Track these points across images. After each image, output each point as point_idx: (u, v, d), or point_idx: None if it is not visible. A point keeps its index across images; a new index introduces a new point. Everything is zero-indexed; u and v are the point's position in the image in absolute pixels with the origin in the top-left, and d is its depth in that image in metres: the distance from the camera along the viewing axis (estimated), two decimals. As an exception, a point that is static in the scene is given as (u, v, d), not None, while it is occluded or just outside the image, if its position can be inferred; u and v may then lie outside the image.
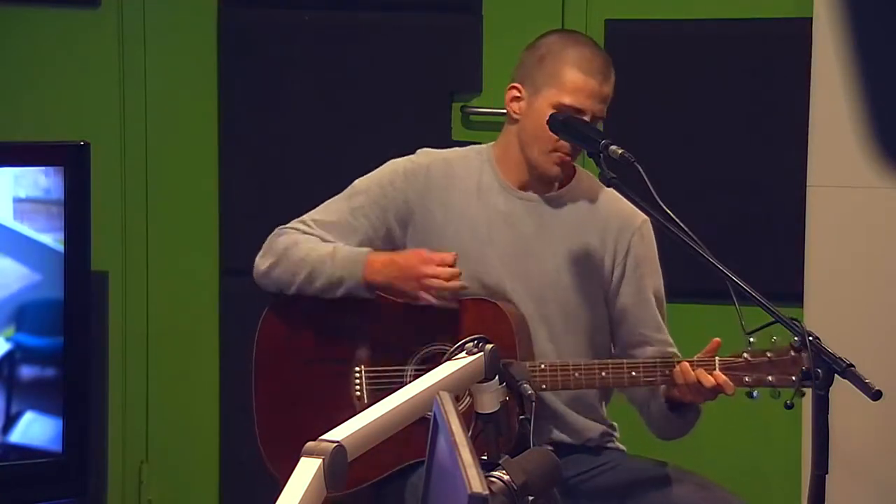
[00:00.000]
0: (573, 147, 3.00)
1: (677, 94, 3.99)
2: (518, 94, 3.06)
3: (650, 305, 3.08)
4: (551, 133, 2.99)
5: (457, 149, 3.18)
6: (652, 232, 3.10)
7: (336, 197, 3.13)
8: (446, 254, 2.99)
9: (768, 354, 2.84)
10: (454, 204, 3.08)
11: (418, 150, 3.15)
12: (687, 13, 3.97)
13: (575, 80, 2.99)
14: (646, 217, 3.06)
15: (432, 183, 3.09)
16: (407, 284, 3.00)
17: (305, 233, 3.10)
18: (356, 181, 3.13)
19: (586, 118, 2.98)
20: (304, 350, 3.11)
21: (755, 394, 2.87)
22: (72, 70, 4.13)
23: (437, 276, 2.96)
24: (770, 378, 2.85)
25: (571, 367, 2.93)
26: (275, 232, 3.14)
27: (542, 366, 2.95)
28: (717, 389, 2.86)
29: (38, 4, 4.12)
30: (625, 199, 2.96)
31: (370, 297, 3.04)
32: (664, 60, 4.00)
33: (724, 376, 2.86)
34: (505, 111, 3.11)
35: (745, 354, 2.86)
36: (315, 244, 3.07)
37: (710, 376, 2.86)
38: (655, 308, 3.09)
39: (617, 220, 3.08)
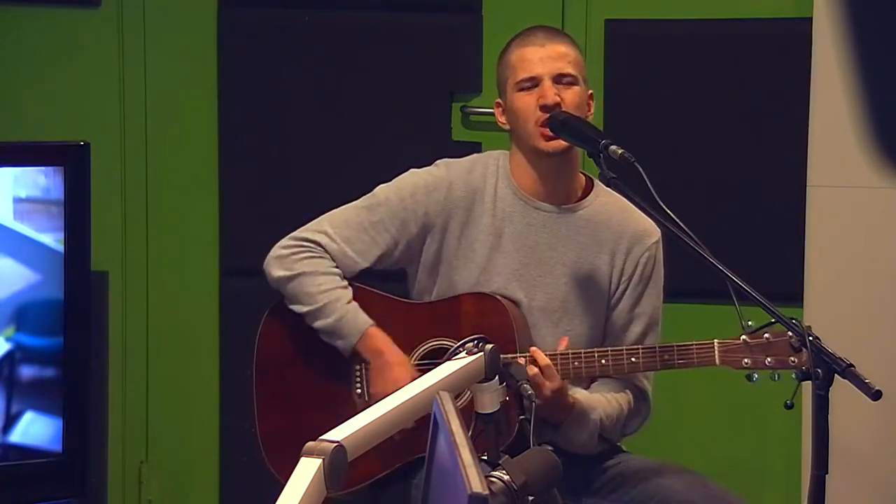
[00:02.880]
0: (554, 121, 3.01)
1: (677, 94, 3.99)
2: (501, 108, 3.11)
3: (640, 323, 3.10)
4: (526, 110, 3.01)
5: (475, 156, 3.18)
6: (662, 253, 3.11)
7: (357, 205, 3.12)
8: None
9: (766, 336, 2.85)
10: (471, 215, 3.09)
11: (438, 162, 3.15)
12: (687, 13, 3.97)
13: (520, 55, 3.05)
14: (658, 236, 3.08)
15: (453, 196, 3.09)
16: (382, 380, 3.01)
17: (328, 250, 3.08)
18: (377, 190, 3.12)
19: (546, 82, 3.00)
20: (304, 350, 3.11)
21: (755, 377, 2.88)
22: (72, 70, 4.13)
23: None
24: (768, 360, 2.86)
25: (571, 356, 2.94)
26: (298, 242, 3.10)
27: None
28: (538, 375, 2.87)
29: (38, 4, 4.12)
30: (640, 215, 2.96)
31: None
32: (664, 60, 4.00)
33: (536, 350, 2.90)
34: None
35: (744, 337, 2.87)
36: (331, 285, 3.06)
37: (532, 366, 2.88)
38: (642, 327, 3.10)
39: (630, 237, 3.09)
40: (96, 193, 3.83)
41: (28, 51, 4.13)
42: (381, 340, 3.04)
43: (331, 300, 3.05)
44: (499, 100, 3.11)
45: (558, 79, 3.01)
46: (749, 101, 3.96)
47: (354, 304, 3.06)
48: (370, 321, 3.05)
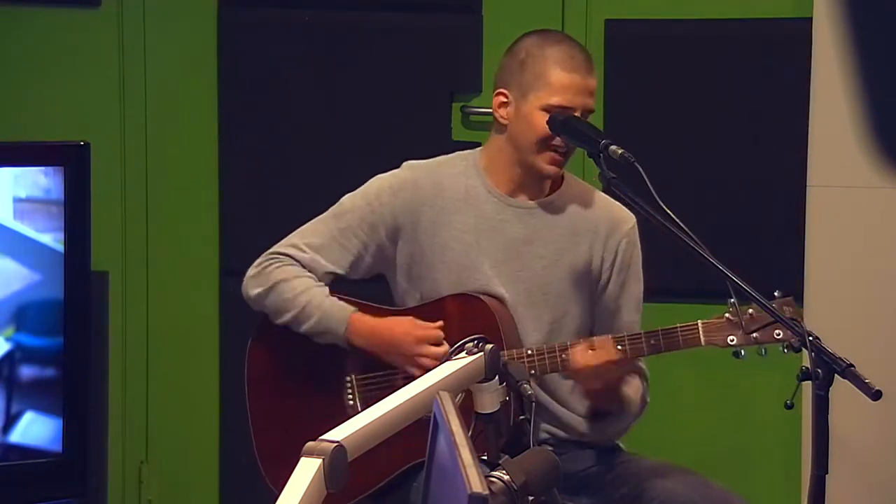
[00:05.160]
0: (567, 146, 3.00)
1: (677, 94, 4.00)
2: (505, 100, 3.05)
3: (627, 311, 3.11)
4: (544, 133, 2.99)
5: (441, 158, 3.18)
6: (638, 236, 3.12)
7: (324, 215, 3.13)
8: (434, 331, 3.01)
9: (750, 312, 2.85)
10: (442, 213, 3.09)
11: (403, 164, 3.15)
12: (687, 13, 3.97)
13: (560, 80, 2.99)
14: (633, 222, 3.09)
15: (419, 195, 3.09)
16: (393, 358, 3.03)
17: (299, 260, 3.10)
18: (343, 198, 3.13)
19: (577, 114, 2.99)
20: (295, 365, 3.12)
21: (742, 353, 2.88)
22: (72, 70, 4.14)
23: (429, 356, 2.98)
24: (755, 336, 2.86)
25: (558, 350, 2.95)
26: (269, 256, 3.13)
27: (530, 351, 2.97)
28: (602, 366, 2.88)
29: (38, 4, 4.12)
30: (613, 203, 2.97)
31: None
32: (664, 60, 4.00)
33: (607, 338, 2.91)
34: None
35: (727, 314, 2.87)
36: (306, 286, 3.08)
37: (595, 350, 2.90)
38: (633, 314, 3.11)
39: (606, 225, 3.09)
40: (96, 193, 3.83)
41: (28, 51, 4.13)
42: (368, 321, 3.05)
43: (309, 299, 3.06)
44: (505, 91, 3.05)
45: (585, 114, 3.01)
46: (749, 101, 3.96)
47: (332, 297, 3.07)
48: (351, 308, 3.06)
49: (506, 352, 2.93)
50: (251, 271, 3.13)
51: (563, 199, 3.11)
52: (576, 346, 2.95)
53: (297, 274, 3.09)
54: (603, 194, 2.93)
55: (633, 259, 3.12)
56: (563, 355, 2.96)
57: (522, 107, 3.03)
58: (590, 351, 2.93)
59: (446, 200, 3.09)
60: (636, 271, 3.13)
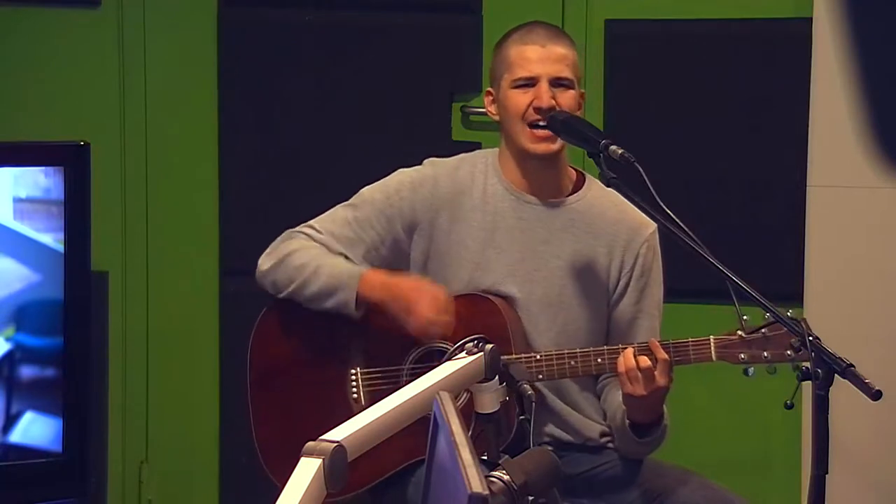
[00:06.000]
0: (549, 123, 3.00)
1: (677, 94, 4.00)
2: (491, 97, 3.11)
3: (647, 317, 3.09)
4: (517, 109, 3.01)
5: (464, 155, 3.18)
6: (658, 242, 3.11)
7: (343, 204, 3.13)
8: (448, 301, 2.99)
9: (762, 331, 2.85)
10: (460, 211, 3.09)
11: (425, 161, 3.15)
12: (687, 13, 3.97)
13: (519, 53, 3.04)
14: (654, 227, 3.07)
15: (439, 192, 3.09)
16: (399, 312, 3.00)
17: (313, 238, 3.10)
18: (363, 189, 3.13)
19: (545, 83, 2.99)
20: (298, 357, 3.11)
21: (751, 371, 2.88)
22: (72, 70, 4.13)
23: (435, 323, 2.96)
24: (765, 354, 2.86)
25: (567, 355, 2.94)
26: (284, 234, 3.14)
27: (538, 356, 2.96)
28: (651, 369, 2.85)
29: (38, 4, 4.12)
30: (634, 208, 2.96)
31: (354, 316, 3.03)
32: (664, 60, 4.00)
33: (656, 343, 2.88)
34: None
35: (740, 332, 2.87)
36: (318, 252, 3.08)
37: (645, 357, 2.86)
38: (654, 320, 3.10)
39: (626, 230, 3.09)
40: (96, 193, 3.83)
41: (28, 51, 4.13)
42: (381, 275, 3.03)
43: (322, 263, 3.05)
44: (490, 89, 3.11)
45: (555, 82, 3.01)
46: (749, 101, 3.96)
47: (348, 261, 3.06)
48: (364, 267, 3.04)
49: (513, 355, 2.92)
50: (265, 252, 3.14)
51: (583, 201, 3.11)
52: (625, 348, 2.90)
53: (311, 245, 3.09)
54: (624, 199, 2.92)
55: (654, 265, 3.11)
56: (599, 359, 2.95)
57: (499, 94, 3.07)
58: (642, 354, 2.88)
59: (465, 198, 3.10)
60: (657, 277, 3.12)
